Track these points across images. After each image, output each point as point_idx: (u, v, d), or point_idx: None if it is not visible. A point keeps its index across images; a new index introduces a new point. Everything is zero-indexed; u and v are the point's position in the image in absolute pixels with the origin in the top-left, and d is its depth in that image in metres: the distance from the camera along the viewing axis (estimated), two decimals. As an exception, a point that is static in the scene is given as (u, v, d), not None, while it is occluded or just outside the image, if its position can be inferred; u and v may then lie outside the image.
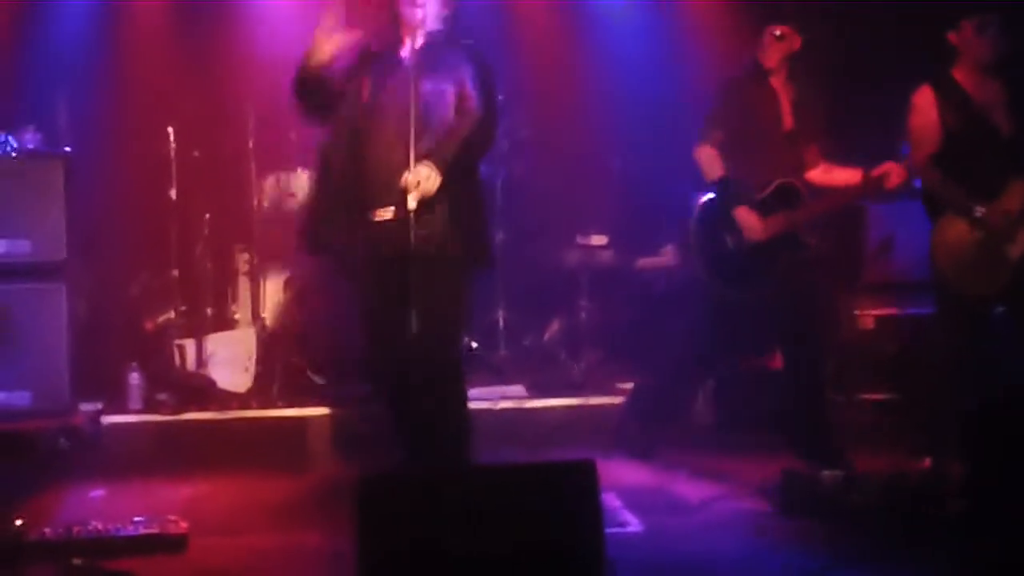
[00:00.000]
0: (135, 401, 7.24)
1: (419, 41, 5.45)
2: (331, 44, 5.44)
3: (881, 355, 7.58)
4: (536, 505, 4.17)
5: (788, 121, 6.38)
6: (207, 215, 8.07)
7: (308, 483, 6.45)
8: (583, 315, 8.30)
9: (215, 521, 5.67)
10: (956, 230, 6.10)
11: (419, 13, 5.42)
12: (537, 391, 7.59)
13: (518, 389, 7.58)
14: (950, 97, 6.13)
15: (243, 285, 8.10)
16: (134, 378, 7.24)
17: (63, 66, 7.93)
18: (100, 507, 5.89)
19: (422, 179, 5.24)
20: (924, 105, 6.16)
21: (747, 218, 6.28)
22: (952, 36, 6.19)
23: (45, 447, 6.75)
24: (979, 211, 6.02)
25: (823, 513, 5.54)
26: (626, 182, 8.53)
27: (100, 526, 5.21)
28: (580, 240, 8.50)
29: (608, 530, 4.24)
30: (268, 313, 7.95)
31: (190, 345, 7.73)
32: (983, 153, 6.08)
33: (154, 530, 5.18)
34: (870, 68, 7.94)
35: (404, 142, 5.26)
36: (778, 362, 7.73)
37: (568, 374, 7.94)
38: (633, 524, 5.46)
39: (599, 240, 8.49)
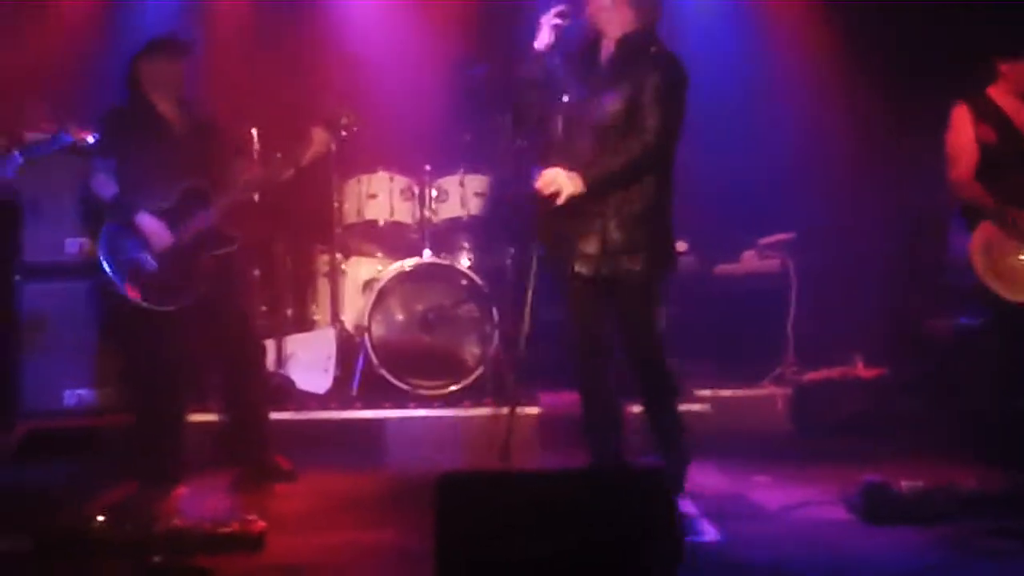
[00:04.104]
0: (215, 400, 7.26)
1: (610, 48, 5.55)
2: (551, 31, 5.56)
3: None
4: (610, 508, 4.18)
5: None
6: (289, 216, 8.11)
7: (384, 482, 6.47)
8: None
9: (292, 519, 5.70)
10: (993, 239, 6.28)
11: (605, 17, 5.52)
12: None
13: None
14: (985, 114, 6.34)
15: (323, 286, 8.13)
16: (214, 377, 7.25)
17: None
18: (180, 504, 5.94)
19: (560, 184, 5.39)
20: (961, 123, 6.37)
21: None
22: (1000, 62, 6.39)
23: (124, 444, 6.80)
24: (1011, 217, 6.22)
25: (905, 523, 5.47)
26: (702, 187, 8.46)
27: (180, 523, 5.25)
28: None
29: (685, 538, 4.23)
30: (347, 315, 7.97)
31: (270, 345, 7.73)
32: (1017, 166, 6.28)
33: (233, 528, 5.20)
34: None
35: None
36: (861, 370, 7.69)
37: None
38: (709, 533, 5.40)
39: (680, 246, 8.42)
